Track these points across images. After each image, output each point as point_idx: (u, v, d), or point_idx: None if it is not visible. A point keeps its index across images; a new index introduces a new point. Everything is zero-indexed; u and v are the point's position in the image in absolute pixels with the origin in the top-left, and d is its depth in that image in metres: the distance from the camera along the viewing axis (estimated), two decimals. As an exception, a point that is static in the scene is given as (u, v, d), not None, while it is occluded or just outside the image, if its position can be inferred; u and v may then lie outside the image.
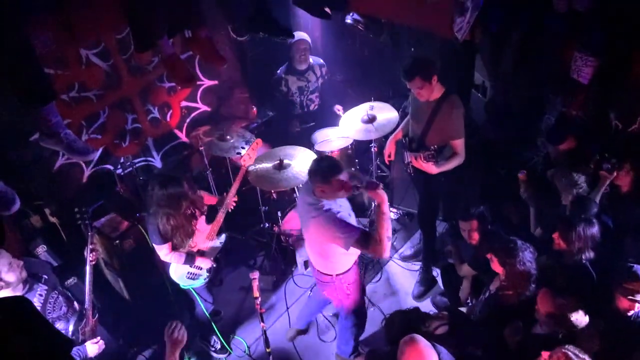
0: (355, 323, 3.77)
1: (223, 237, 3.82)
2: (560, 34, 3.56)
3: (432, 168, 3.60)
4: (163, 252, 3.50)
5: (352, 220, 3.20)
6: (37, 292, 3.03)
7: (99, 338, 3.22)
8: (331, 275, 3.41)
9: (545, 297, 2.89)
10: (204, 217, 3.72)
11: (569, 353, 2.40)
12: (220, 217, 3.72)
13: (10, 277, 2.84)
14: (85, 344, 3.15)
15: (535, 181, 3.92)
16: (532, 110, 4.11)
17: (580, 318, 2.79)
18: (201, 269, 3.68)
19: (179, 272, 3.65)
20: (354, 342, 3.90)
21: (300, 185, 4.30)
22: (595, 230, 3.16)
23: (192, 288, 3.73)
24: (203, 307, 3.83)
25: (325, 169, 2.97)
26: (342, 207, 3.21)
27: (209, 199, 3.92)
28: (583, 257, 3.18)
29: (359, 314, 3.74)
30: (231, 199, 3.78)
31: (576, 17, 3.33)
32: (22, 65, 2.63)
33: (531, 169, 4.15)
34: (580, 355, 2.40)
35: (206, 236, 3.71)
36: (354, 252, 3.24)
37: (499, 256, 3.26)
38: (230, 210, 3.79)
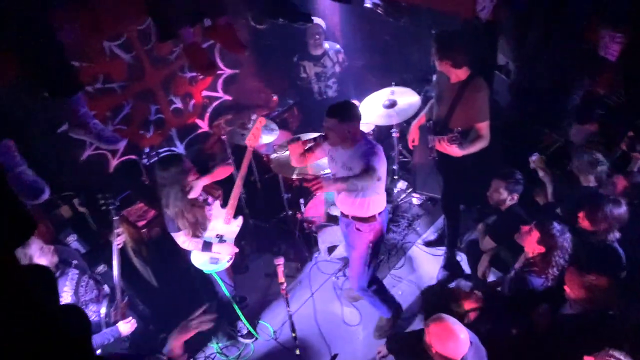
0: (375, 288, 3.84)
1: (240, 219, 3.81)
2: (586, 11, 3.47)
3: (456, 151, 3.57)
4: (180, 239, 3.56)
5: None
6: (69, 276, 3.16)
7: (130, 317, 3.34)
8: (374, 215, 3.48)
9: (572, 276, 2.84)
10: (218, 202, 3.75)
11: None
12: (234, 199, 3.70)
13: (43, 261, 2.94)
14: (117, 324, 3.27)
15: (554, 162, 3.87)
16: (558, 91, 4.03)
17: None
18: (221, 253, 3.72)
19: (200, 257, 3.70)
20: (388, 301, 3.96)
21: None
22: (622, 210, 3.08)
23: (214, 273, 3.78)
24: (226, 290, 3.88)
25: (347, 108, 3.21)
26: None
27: (225, 170, 3.84)
28: (609, 237, 3.13)
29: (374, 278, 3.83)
30: (239, 180, 3.72)
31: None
32: (49, 57, 2.69)
33: (551, 151, 4.09)
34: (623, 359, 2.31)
35: (224, 220, 3.74)
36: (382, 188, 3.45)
37: (541, 232, 3.11)
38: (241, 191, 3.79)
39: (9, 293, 1.10)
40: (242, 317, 4.05)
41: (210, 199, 3.71)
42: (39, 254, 2.93)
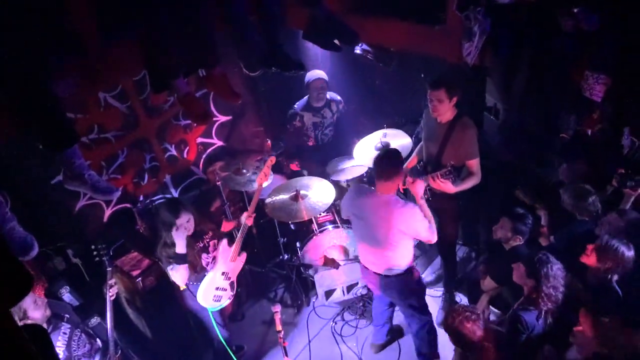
0: (426, 322, 3.83)
1: (243, 255, 3.90)
2: (570, 54, 3.58)
3: (449, 187, 3.62)
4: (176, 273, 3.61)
5: None
6: (61, 330, 3.12)
7: None
8: (404, 269, 3.56)
9: (586, 318, 2.82)
10: (225, 240, 3.81)
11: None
12: (241, 236, 3.79)
13: (36, 314, 2.92)
14: None
15: (550, 198, 3.92)
16: (546, 130, 4.10)
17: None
18: (225, 290, 3.73)
19: (206, 295, 3.68)
20: (432, 346, 3.93)
21: (318, 215, 4.35)
22: (631, 254, 3.07)
23: (211, 312, 3.76)
24: (219, 334, 3.87)
25: (392, 158, 3.42)
26: None
27: (227, 225, 4.09)
28: (609, 277, 3.12)
29: (426, 311, 3.83)
30: (248, 216, 3.84)
31: (585, 37, 3.35)
32: (45, 111, 2.72)
33: (547, 187, 4.14)
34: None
35: (230, 259, 3.76)
36: (411, 249, 3.57)
37: (527, 266, 3.17)
38: (249, 226, 3.87)
39: (8, 351, 1.09)
40: None
41: (212, 244, 3.84)
42: (33, 307, 2.91)
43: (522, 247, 3.69)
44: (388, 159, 3.39)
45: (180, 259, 3.57)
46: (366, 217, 3.48)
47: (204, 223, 3.86)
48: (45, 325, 3.01)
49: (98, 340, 3.40)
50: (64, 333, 3.12)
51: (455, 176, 3.61)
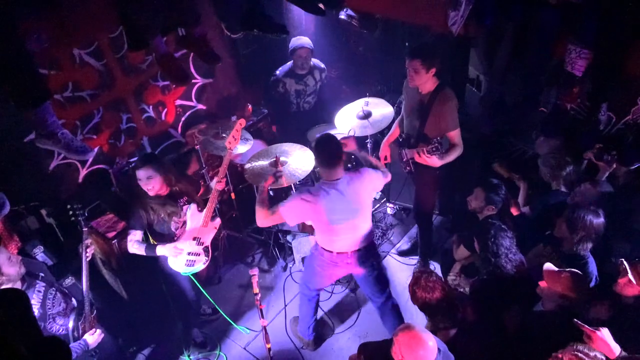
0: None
1: (217, 220, 3.83)
2: (554, 27, 3.57)
3: (435, 161, 3.63)
4: (131, 237, 3.56)
5: None
6: (36, 288, 3.09)
7: (95, 329, 3.27)
8: (372, 239, 3.65)
9: (550, 273, 2.94)
10: (194, 205, 3.75)
11: (579, 354, 2.36)
12: (212, 202, 3.72)
13: (11, 270, 2.90)
14: (84, 336, 3.20)
15: (526, 169, 3.98)
16: (527, 103, 4.13)
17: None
18: (198, 254, 3.70)
19: (177, 261, 3.66)
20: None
21: (297, 182, 4.34)
22: (601, 221, 3.15)
23: (191, 275, 3.74)
24: (204, 291, 3.88)
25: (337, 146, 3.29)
26: None
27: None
28: (582, 247, 3.20)
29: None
30: (218, 181, 3.74)
31: (570, 10, 3.34)
32: (16, 66, 2.63)
33: (524, 158, 4.21)
34: (591, 354, 2.36)
35: (201, 224, 3.73)
36: None
37: (477, 238, 3.31)
38: (220, 191, 3.75)
39: None
40: (208, 297, 3.99)
41: (181, 204, 3.73)
42: (7, 263, 2.90)
43: (494, 216, 3.75)
44: (334, 143, 3.28)
45: (136, 224, 3.55)
46: (349, 203, 3.35)
47: (181, 185, 3.80)
48: (19, 283, 2.99)
49: (73, 299, 3.39)
50: (39, 291, 3.10)
51: (441, 152, 3.62)
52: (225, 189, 5.05)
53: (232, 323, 4.19)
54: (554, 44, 3.69)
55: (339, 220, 3.35)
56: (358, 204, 3.38)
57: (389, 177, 3.53)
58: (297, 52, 4.79)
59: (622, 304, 2.83)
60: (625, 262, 2.78)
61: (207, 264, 3.72)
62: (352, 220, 3.39)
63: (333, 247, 3.53)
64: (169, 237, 3.70)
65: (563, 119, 3.90)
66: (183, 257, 3.65)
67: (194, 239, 3.70)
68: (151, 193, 3.55)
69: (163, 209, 3.64)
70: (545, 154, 3.80)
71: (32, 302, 3.03)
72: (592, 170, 3.66)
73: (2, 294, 2.11)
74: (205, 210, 3.73)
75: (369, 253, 3.62)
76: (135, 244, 3.55)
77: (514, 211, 3.88)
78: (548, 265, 3.03)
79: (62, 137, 2.90)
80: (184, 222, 3.75)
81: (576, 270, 2.94)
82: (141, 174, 3.46)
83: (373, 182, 3.44)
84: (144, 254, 3.55)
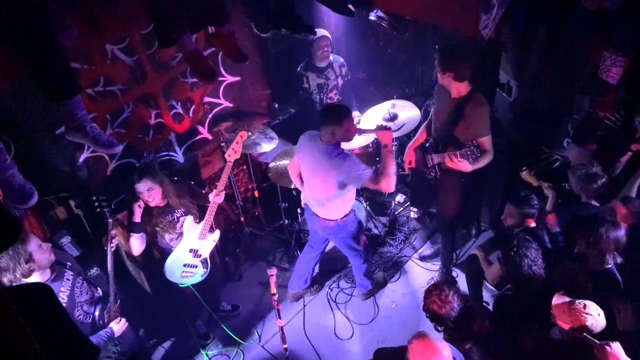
0: (364, 257, 4.21)
1: (217, 233, 3.86)
2: (589, 33, 3.46)
3: (466, 166, 3.57)
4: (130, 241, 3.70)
5: None
6: (65, 277, 3.19)
7: (120, 317, 3.38)
8: (336, 219, 3.81)
9: (559, 302, 2.80)
10: (191, 217, 3.78)
11: None
12: (209, 214, 3.74)
13: (42, 258, 2.99)
14: (110, 324, 3.32)
15: (558, 178, 3.87)
16: (559, 111, 4.02)
17: (596, 322, 2.69)
18: (195, 266, 3.72)
19: (172, 271, 3.71)
20: (369, 274, 4.38)
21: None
22: (620, 233, 3.03)
23: (190, 285, 3.77)
24: (205, 304, 3.95)
25: (334, 111, 3.40)
26: None
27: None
28: (607, 261, 3.08)
29: (365, 247, 4.18)
30: (216, 194, 3.75)
31: (606, 15, 3.23)
32: (49, 59, 2.69)
33: (554, 167, 4.10)
34: None
35: (198, 236, 3.75)
36: (353, 197, 3.83)
37: (500, 249, 3.22)
38: (218, 204, 3.79)
39: None
40: (224, 327, 4.09)
41: (177, 216, 3.78)
42: (38, 251, 2.98)
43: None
44: (336, 109, 3.45)
45: (134, 228, 3.62)
46: (308, 162, 3.63)
47: (178, 197, 3.79)
48: (49, 271, 3.09)
49: (99, 289, 3.49)
50: (67, 279, 3.21)
51: (476, 156, 3.55)
52: (249, 186, 5.10)
53: (233, 336, 4.22)
54: (588, 50, 3.57)
55: (303, 171, 3.76)
56: (317, 172, 3.57)
57: (381, 185, 3.44)
58: (317, 42, 4.77)
59: None
60: None
61: (205, 277, 3.74)
62: (310, 180, 3.70)
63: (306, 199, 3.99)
64: (167, 250, 3.75)
65: (596, 128, 3.77)
66: (179, 269, 3.68)
67: (191, 250, 3.71)
68: (152, 204, 3.59)
69: (159, 221, 3.69)
70: (576, 164, 3.69)
71: (62, 289, 3.15)
72: (625, 176, 3.53)
73: (27, 288, 2.14)
74: (202, 222, 3.73)
75: (326, 226, 3.87)
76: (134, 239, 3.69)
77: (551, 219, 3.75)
78: (558, 299, 2.84)
79: (91, 130, 2.96)
80: (180, 234, 3.77)
81: (590, 304, 2.74)
82: (141, 186, 3.52)
83: (343, 170, 3.43)
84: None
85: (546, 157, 4.18)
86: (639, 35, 3.14)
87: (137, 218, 3.64)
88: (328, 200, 3.71)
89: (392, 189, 3.51)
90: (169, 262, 3.73)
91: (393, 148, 3.54)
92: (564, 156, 4.05)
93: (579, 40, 3.58)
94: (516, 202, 3.63)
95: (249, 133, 4.42)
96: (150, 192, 3.54)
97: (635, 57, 3.19)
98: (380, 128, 3.51)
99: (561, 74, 3.74)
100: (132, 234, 3.66)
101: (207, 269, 3.74)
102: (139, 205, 3.65)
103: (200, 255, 3.73)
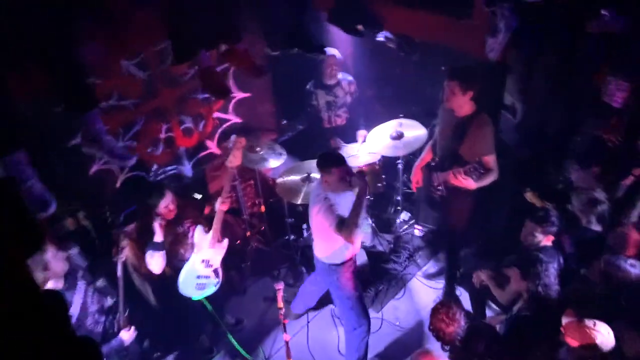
0: (354, 325, 3.83)
1: (225, 242, 3.89)
2: (594, 57, 3.55)
3: (471, 183, 3.62)
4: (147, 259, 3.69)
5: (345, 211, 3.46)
6: (78, 285, 3.25)
7: (129, 326, 3.42)
8: (325, 262, 3.72)
9: (569, 320, 2.83)
10: (201, 227, 3.81)
11: None
12: (217, 222, 3.76)
13: (57, 266, 3.05)
14: (120, 333, 3.36)
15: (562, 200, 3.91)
16: (563, 133, 4.08)
17: (606, 340, 2.72)
18: (208, 277, 3.74)
19: (187, 285, 3.73)
20: (361, 351, 3.92)
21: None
22: (637, 272, 3.04)
23: (204, 299, 3.79)
24: (217, 318, 3.96)
25: (326, 159, 3.43)
26: (341, 204, 3.47)
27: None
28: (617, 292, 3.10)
29: (356, 314, 3.81)
30: (222, 202, 3.76)
31: (610, 40, 3.32)
32: (69, 74, 2.76)
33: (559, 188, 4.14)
34: None
35: (209, 245, 3.78)
36: (339, 248, 3.59)
37: (521, 269, 3.21)
38: (223, 211, 3.79)
39: (26, 301, 1.13)
40: (233, 341, 4.08)
41: (187, 227, 3.82)
42: (54, 260, 3.04)
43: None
44: (328, 157, 3.49)
45: (157, 246, 3.64)
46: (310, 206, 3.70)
47: (186, 208, 3.86)
48: (62, 281, 3.15)
49: (108, 298, 3.52)
50: (80, 288, 3.27)
51: (480, 172, 3.60)
52: (256, 201, 5.14)
53: (241, 350, 4.19)
54: (593, 74, 3.65)
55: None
56: (310, 213, 3.63)
57: (342, 233, 3.37)
58: (326, 61, 4.86)
59: None
60: None
61: (218, 286, 3.76)
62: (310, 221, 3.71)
63: None
64: (178, 266, 3.78)
65: (599, 151, 3.83)
66: (193, 281, 3.71)
67: (203, 261, 3.75)
68: (171, 216, 3.64)
69: (171, 233, 3.73)
70: (580, 187, 3.73)
71: (75, 297, 3.20)
72: (628, 200, 3.57)
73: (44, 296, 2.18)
74: (211, 232, 3.77)
75: (321, 269, 3.80)
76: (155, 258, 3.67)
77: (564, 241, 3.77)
78: (568, 317, 2.88)
79: (107, 142, 3.03)
80: (191, 245, 3.81)
81: (600, 323, 2.77)
82: (164, 202, 3.58)
83: (315, 213, 3.53)
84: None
85: (551, 178, 4.23)
86: (642, 61, 3.22)
87: (160, 237, 3.64)
88: (314, 233, 3.74)
89: (353, 240, 3.42)
90: (183, 276, 3.74)
91: (366, 200, 3.50)
92: (568, 178, 4.10)
93: (583, 64, 3.66)
94: (537, 220, 3.58)
95: (258, 148, 4.49)
96: (171, 205, 3.61)
97: (638, 82, 3.26)
98: (359, 179, 3.41)
99: (566, 97, 3.81)
100: (154, 251, 3.64)
101: (219, 278, 3.77)
102: (160, 225, 3.66)
103: (212, 265, 3.76)
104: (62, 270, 3.08)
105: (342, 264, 3.68)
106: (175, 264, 3.78)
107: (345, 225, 3.35)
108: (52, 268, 2.99)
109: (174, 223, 3.79)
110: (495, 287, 3.76)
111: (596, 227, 3.60)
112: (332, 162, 3.40)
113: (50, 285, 3.02)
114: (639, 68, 3.29)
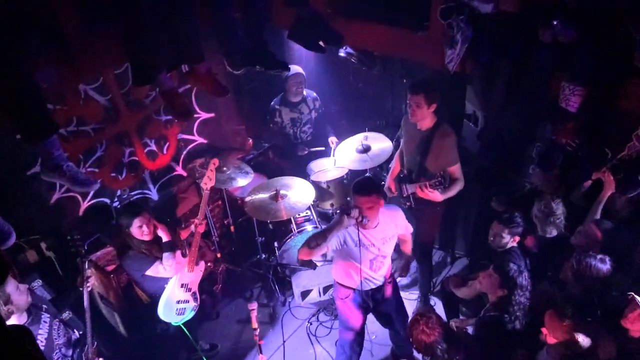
0: (342, 349, 3.83)
1: (201, 264, 3.87)
2: (549, 64, 3.67)
3: (437, 195, 3.69)
4: (161, 268, 3.59)
5: (341, 240, 3.33)
6: (42, 319, 3.12)
7: (98, 359, 3.30)
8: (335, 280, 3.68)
9: (552, 320, 2.88)
10: (179, 252, 3.73)
11: None
12: (194, 246, 3.74)
13: (20, 299, 2.92)
14: None
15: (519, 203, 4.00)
16: (523, 139, 4.19)
17: (583, 341, 2.78)
18: (187, 301, 3.68)
19: (168, 311, 3.65)
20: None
21: (297, 215, 4.37)
22: (607, 268, 3.09)
23: (182, 324, 3.71)
24: (194, 343, 3.87)
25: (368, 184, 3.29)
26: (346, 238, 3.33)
27: (183, 233, 4.04)
28: (590, 292, 3.17)
29: (343, 329, 3.81)
30: (199, 224, 3.77)
31: (563, 48, 3.44)
32: (25, 100, 2.67)
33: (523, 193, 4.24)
34: None
35: (187, 269, 3.72)
36: (339, 266, 3.54)
37: (502, 274, 3.23)
38: (201, 232, 3.79)
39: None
40: None
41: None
42: (16, 293, 2.91)
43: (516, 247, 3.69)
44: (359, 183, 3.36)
45: (169, 247, 3.56)
46: None
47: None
48: (25, 314, 3.02)
49: (75, 331, 3.40)
50: (44, 322, 3.14)
51: (444, 186, 3.67)
52: (225, 222, 5.07)
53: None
54: (549, 81, 3.77)
55: None
56: None
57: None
58: (291, 79, 4.89)
59: (629, 338, 2.81)
60: (636, 296, 2.76)
61: (196, 309, 3.70)
62: None
63: None
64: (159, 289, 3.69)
65: (558, 154, 3.94)
66: (174, 306, 3.65)
67: (182, 285, 3.69)
68: (148, 238, 3.56)
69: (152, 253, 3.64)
70: (542, 196, 3.82)
71: (40, 332, 3.08)
72: (591, 196, 3.68)
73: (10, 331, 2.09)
74: (189, 255, 3.72)
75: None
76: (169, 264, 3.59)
77: (529, 242, 3.84)
78: (549, 315, 2.94)
79: (68, 169, 2.92)
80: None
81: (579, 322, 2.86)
82: (137, 222, 3.50)
83: None
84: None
85: (514, 184, 4.34)
86: (594, 66, 3.34)
87: (167, 236, 3.59)
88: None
89: (299, 255, 3.41)
90: (163, 302, 3.66)
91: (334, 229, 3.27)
92: (530, 182, 4.21)
93: (538, 71, 3.78)
94: (504, 221, 3.66)
95: (224, 168, 4.45)
96: (147, 226, 3.51)
97: (593, 86, 3.38)
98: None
99: (524, 104, 3.92)
100: (169, 254, 3.58)
101: (197, 302, 3.72)
102: (162, 227, 3.63)
103: (191, 289, 3.71)
104: (25, 303, 2.95)
105: (337, 285, 3.67)
106: (151, 294, 3.69)
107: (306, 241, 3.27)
108: (15, 302, 2.87)
109: (155, 244, 3.69)
110: (458, 289, 3.84)
111: (551, 233, 3.70)
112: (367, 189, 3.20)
113: (14, 319, 2.89)
114: (592, 73, 3.42)
